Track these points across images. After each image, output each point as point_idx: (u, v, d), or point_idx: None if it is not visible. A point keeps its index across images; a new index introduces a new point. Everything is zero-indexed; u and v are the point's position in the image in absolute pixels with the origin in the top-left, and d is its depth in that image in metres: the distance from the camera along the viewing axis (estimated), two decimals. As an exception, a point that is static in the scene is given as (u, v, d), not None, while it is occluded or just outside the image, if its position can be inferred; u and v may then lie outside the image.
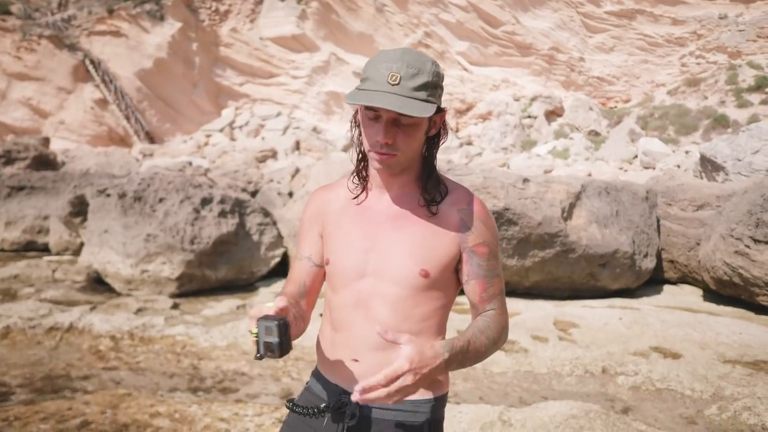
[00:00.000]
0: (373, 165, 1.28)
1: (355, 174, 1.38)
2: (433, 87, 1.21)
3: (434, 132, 1.30)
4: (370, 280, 1.29)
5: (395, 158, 1.24)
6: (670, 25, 27.78)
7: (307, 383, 1.43)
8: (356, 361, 1.30)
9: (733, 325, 4.63)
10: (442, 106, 1.28)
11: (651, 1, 28.00)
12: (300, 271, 1.40)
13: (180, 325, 4.61)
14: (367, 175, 1.36)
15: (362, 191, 1.36)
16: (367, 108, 1.22)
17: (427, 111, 1.17)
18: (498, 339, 1.29)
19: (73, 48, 23.55)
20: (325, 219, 1.39)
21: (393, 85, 1.16)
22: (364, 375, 1.28)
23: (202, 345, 4.31)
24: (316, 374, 1.41)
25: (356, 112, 1.33)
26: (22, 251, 7.87)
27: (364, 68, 1.25)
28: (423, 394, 1.30)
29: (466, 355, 1.19)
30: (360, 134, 1.32)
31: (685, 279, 6.35)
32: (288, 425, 1.39)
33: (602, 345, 4.26)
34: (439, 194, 1.31)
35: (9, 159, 10.91)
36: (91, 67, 23.44)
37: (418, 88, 1.18)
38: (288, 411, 1.38)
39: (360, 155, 1.36)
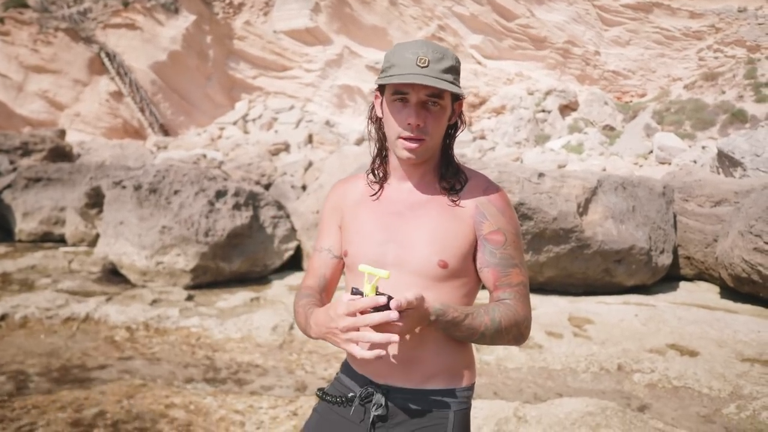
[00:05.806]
0: (401, 154, 1.27)
1: (371, 171, 1.37)
2: (456, 72, 1.24)
3: (453, 120, 1.31)
4: (390, 272, 1.28)
5: (424, 143, 1.24)
6: (687, 19, 27.31)
7: (337, 374, 1.44)
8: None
9: (751, 323, 4.56)
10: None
11: (669, -6, 27.56)
12: (320, 264, 1.41)
13: (194, 316, 4.64)
14: (386, 171, 1.35)
15: (380, 188, 1.35)
16: (395, 93, 1.22)
17: (458, 89, 1.22)
18: (507, 328, 1.23)
19: (88, 41, 23.72)
20: (343, 211, 1.39)
21: (422, 67, 1.19)
22: (389, 366, 1.29)
23: (217, 337, 4.33)
24: (345, 366, 1.42)
25: (372, 108, 1.33)
26: (39, 242, 7.96)
27: (385, 59, 1.24)
28: (449, 384, 1.30)
29: (457, 327, 1.20)
30: (379, 128, 1.32)
31: (702, 276, 6.27)
32: (318, 412, 1.41)
33: (618, 342, 4.22)
34: (459, 183, 1.31)
35: (26, 151, 11.02)
36: (106, 60, 23.60)
37: (446, 71, 1.21)
38: (319, 399, 1.40)
39: (377, 152, 1.35)
